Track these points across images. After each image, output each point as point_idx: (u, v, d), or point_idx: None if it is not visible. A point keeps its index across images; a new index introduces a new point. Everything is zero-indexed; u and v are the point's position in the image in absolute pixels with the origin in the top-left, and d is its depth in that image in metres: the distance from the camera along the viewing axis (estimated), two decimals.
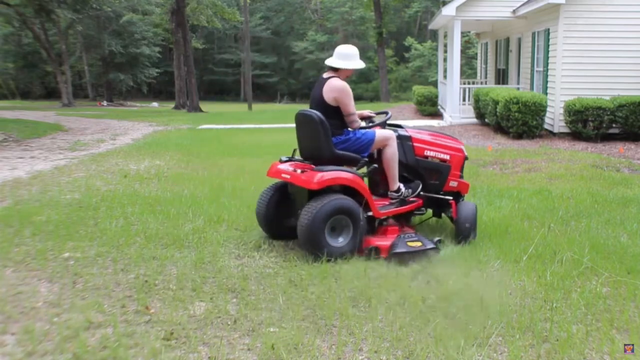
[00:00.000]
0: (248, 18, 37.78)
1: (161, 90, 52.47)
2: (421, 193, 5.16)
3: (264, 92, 53.69)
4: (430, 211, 5.55)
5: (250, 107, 33.39)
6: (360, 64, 5.03)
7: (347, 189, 4.64)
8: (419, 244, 4.58)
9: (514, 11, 16.00)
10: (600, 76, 13.18)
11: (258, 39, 54.24)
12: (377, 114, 5.48)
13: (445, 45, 21.20)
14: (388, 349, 3.10)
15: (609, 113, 12.48)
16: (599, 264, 4.46)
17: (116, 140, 13.85)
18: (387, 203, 5.02)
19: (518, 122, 13.00)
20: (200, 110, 28.60)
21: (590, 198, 7.06)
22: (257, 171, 8.71)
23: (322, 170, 4.58)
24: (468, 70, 38.77)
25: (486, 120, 15.64)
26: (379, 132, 4.98)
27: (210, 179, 8.06)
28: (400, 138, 5.11)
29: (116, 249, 4.77)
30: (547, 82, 14.28)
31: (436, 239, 4.81)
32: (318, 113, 4.71)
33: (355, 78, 43.49)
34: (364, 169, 5.00)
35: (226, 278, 4.14)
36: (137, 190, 7.34)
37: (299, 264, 4.46)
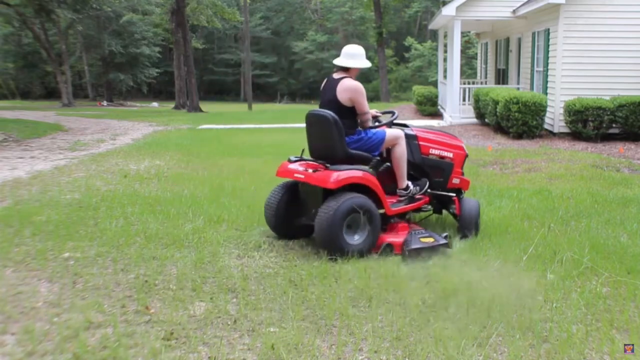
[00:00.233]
0: (248, 18, 37.78)
1: (161, 90, 52.47)
2: (428, 190, 5.28)
3: (264, 92, 53.70)
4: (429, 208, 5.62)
5: (250, 107, 33.39)
6: (368, 63, 5.13)
7: (361, 187, 4.71)
8: (431, 240, 4.69)
9: (514, 11, 16.00)
10: (600, 76, 13.17)
11: (258, 39, 54.25)
12: (383, 113, 5.55)
13: (445, 45, 21.21)
14: (388, 349, 3.10)
15: (609, 113, 12.48)
16: (599, 264, 4.46)
17: (116, 140, 13.85)
18: (395, 201, 5.10)
19: (518, 122, 13.00)
20: (200, 110, 28.60)
21: (590, 198, 7.06)
22: (257, 171, 8.72)
23: (339, 170, 4.65)
24: (468, 70, 38.78)
25: (486, 120, 15.64)
26: (389, 132, 5.08)
27: (210, 179, 8.06)
28: (407, 137, 5.21)
29: (116, 249, 4.77)
30: (547, 82, 14.28)
31: (444, 234, 4.89)
32: (332, 113, 4.75)
33: (355, 78, 43.41)
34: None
35: (226, 278, 4.14)
36: (137, 190, 7.34)
37: (299, 264, 4.46)
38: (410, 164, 5.21)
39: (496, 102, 13.75)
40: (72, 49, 42.74)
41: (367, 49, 5.44)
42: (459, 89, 16.95)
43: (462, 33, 19.08)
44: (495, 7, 16.44)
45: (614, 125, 12.66)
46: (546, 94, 14.03)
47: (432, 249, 4.60)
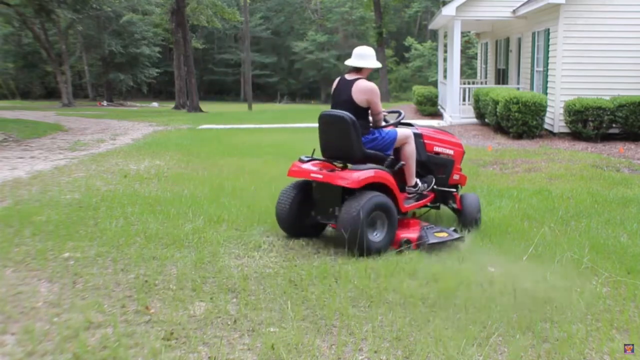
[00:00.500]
0: (248, 18, 37.78)
1: (161, 90, 52.46)
2: (434, 187, 5.47)
3: (264, 92, 53.70)
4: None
5: (250, 107, 33.39)
6: (378, 64, 5.27)
7: (378, 186, 4.82)
8: (445, 234, 4.87)
9: (514, 11, 16.00)
10: (600, 76, 13.17)
11: (258, 39, 54.24)
12: (389, 112, 5.64)
13: (445, 45, 21.21)
14: (388, 349, 3.10)
15: (609, 113, 12.48)
16: (599, 264, 4.46)
17: (116, 140, 13.85)
18: (403, 198, 5.22)
19: (518, 122, 13.00)
20: (200, 110, 28.59)
21: (590, 198, 7.06)
22: (257, 171, 8.72)
23: (359, 170, 4.75)
24: (468, 70, 38.78)
25: (486, 120, 15.64)
26: (400, 131, 5.23)
27: (210, 179, 8.06)
28: (413, 136, 5.37)
29: (116, 249, 4.77)
30: (547, 82, 14.28)
31: (451, 229, 5.07)
32: (349, 114, 4.83)
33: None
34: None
35: (226, 278, 4.14)
36: (137, 190, 7.34)
37: (299, 264, 4.47)
38: (417, 162, 5.36)
39: (496, 102, 13.75)
40: (72, 49, 42.73)
41: None
42: (459, 89, 16.95)
43: (462, 33, 19.08)
44: (495, 7, 16.44)
45: (614, 125, 12.66)
46: (546, 94, 14.03)
47: (446, 243, 4.80)
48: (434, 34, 43.89)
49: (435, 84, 28.07)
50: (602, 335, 3.30)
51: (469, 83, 21.65)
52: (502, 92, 13.72)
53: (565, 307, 3.64)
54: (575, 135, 13.01)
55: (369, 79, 5.13)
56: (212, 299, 3.75)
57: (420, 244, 4.77)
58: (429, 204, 5.54)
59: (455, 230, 5.03)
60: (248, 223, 5.59)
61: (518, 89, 15.95)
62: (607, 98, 12.74)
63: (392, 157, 5.09)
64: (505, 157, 10.70)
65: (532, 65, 15.61)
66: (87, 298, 3.77)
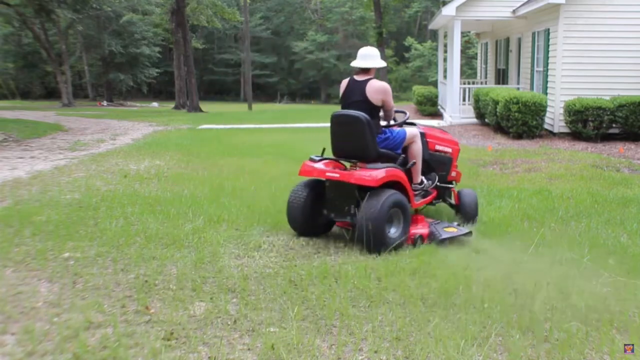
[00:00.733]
0: (248, 18, 37.79)
1: (161, 90, 52.46)
2: (437, 184, 5.68)
3: (264, 92, 53.70)
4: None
5: (250, 107, 33.39)
6: (384, 63, 5.44)
7: (392, 184, 4.94)
8: (454, 229, 5.07)
9: (514, 11, 16.00)
10: (600, 76, 13.18)
11: (258, 39, 54.24)
12: (395, 112, 5.72)
13: (445, 45, 21.21)
14: (388, 349, 3.10)
15: (609, 113, 12.48)
16: (599, 264, 4.46)
17: (116, 140, 13.85)
18: (413, 195, 5.35)
19: (518, 122, 13.00)
20: (200, 110, 28.59)
21: (590, 198, 7.06)
22: (257, 171, 8.72)
23: (377, 169, 4.86)
24: (468, 70, 38.78)
25: (486, 120, 15.64)
26: (409, 130, 5.41)
27: (210, 179, 8.06)
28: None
29: (116, 249, 4.77)
30: (547, 82, 14.28)
31: (455, 223, 5.28)
32: (364, 114, 4.93)
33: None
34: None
35: (226, 278, 4.14)
36: (137, 190, 7.34)
37: (299, 264, 4.47)
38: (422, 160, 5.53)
39: (496, 102, 13.75)
40: (72, 49, 42.73)
41: None
42: (459, 89, 16.96)
43: (462, 33, 19.08)
44: (495, 7, 16.45)
45: (614, 125, 12.66)
46: (546, 94, 14.03)
47: (456, 238, 4.98)
48: (434, 34, 43.90)
49: (435, 84, 28.07)
50: (602, 335, 3.30)
51: (469, 83, 21.65)
52: (502, 92, 13.72)
53: (565, 307, 3.64)
54: (575, 135, 13.01)
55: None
56: (212, 299, 3.75)
57: (432, 240, 4.94)
58: (435, 200, 5.76)
59: (458, 225, 5.23)
60: (248, 223, 5.59)
61: (518, 89, 15.95)
62: (607, 98, 12.74)
63: (403, 155, 5.27)
64: (505, 157, 10.70)
65: (532, 65, 15.61)
66: (87, 298, 3.77)
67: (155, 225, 5.47)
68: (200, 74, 47.07)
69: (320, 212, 5.22)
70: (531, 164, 9.80)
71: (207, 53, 53.06)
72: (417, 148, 5.36)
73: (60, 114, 24.12)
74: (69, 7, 28.66)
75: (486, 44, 22.70)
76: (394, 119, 5.49)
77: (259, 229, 5.42)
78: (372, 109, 5.07)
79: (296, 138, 13.56)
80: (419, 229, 5.06)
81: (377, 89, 5.08)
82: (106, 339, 3.15)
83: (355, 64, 5.25)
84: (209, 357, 3.01)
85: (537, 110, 12.94)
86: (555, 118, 13.51)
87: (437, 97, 21.06)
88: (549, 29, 13.98)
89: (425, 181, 5.52)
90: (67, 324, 3.34)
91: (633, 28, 13.06)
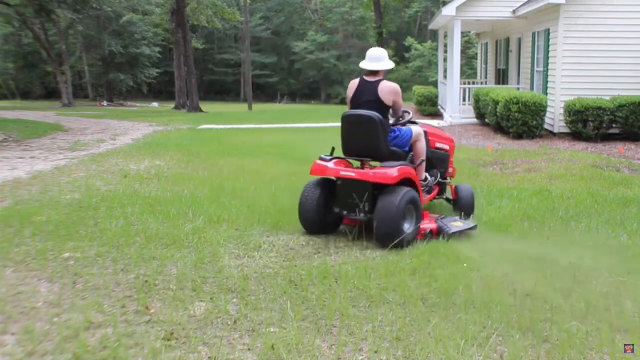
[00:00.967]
0: (248, 18, 37.79)
1: (161, 90, 52.46)
2: (439, 180, 5.86)
3: (264, 92, 53.70)
4: None
5: (250, 107, 33.39)
6: (392, 64, 5.57)
7: (403, 181, 5.06)
8: (460, 223, 5.23)
9: (514, 11, 16.00)
10: (600, 76, 13.18)
11: (258, 39, 54.24)
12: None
13: (445, 45, 21.21)
14: (388, 349, 3.10)
15: (609, 113, 12.48)
16: (599, 263, 4.46)
17: (116, 140, 13.84)
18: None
19: (518, 122, 13.00)
20: (200, 110, 28.59)
21: (590, 198, 7.06)
22: (257, 171, 8.72)
23: (392, 167, 4.98)
24: (468, 70, 38.77)
25: (486, 120, 15.64)
26: (414, 129, 5.58)
27: (210, 179, 8.06)
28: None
29: (116, 249, 4.77)
30: (547, 82, 14.28)
31: (457, 218, 5.42)
32: (377, 114, 5.08)
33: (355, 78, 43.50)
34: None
35: (226, 278, 4.14)
36: (137, 190, 7.34)
37: (299, 264, 4.47)
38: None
39: (496, 102, 13.75)
40: (72, 49, 42.72)
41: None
42: (459, 89, 16.95)
43: (462, 33, 19.08)
44: (495, 7, 16.44)
45: (614, 125, 12.66)
46: (546, 94, 14.03)
47: (463, 232, 5.14)
48: (434, 34, 43.90)
49: (435, 84, 28.06)
50: (602, 335, 3.30)
51: (469, 83, 21.65)
52: (502, 92, 13.72)
53: (565, 307, 3.64)
54: (575, 135, 13.01)
55: None
56: (212, 299, 3.75)
57: (440, 234, 5.06)
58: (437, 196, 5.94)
59: (461, 219, 5.37)
60: (248, 223, 5.59)
61: (518, 89, 15.95)
62: (607, 98, 12.74)
63: (411, 153, 5.46)
64: (505, 157, 10.70)
65: (532, 65, 15.61)
66: (87, 298, 3.77)
67: (155, 225, 5.46)
68: (200, 74, 47.07)
69: (330, 210, 5.30)
70: (531, 164, 9.80)
71: (207, 53, 53.06)
72: (422, 146, 5.53)
73: (60, 114, 24.12)
74: (69, 7, 28.65)
75: (486, 44, 22.70)
76: (402, 117, 5.59)
77: (259, 229, 5.42)
78: (383, 109, 5.23)
79: (296, 138, 13.56)
80: (428, 224, 5.19)
81: (389, 90, 5.25)
82: (106, 339, 3.15)
83: (366, 66, 5.35)
84: (209, 357, 3.01)
85: (537, 110, 12.95)
86: (555, 118, 13.51)
87: (437, 97, 21.06)
88: (549, 29, 13.98)
89: (429, 178, 5.72)
90: (67, 324, 3.34)
91: (633, 28, 13.06)
